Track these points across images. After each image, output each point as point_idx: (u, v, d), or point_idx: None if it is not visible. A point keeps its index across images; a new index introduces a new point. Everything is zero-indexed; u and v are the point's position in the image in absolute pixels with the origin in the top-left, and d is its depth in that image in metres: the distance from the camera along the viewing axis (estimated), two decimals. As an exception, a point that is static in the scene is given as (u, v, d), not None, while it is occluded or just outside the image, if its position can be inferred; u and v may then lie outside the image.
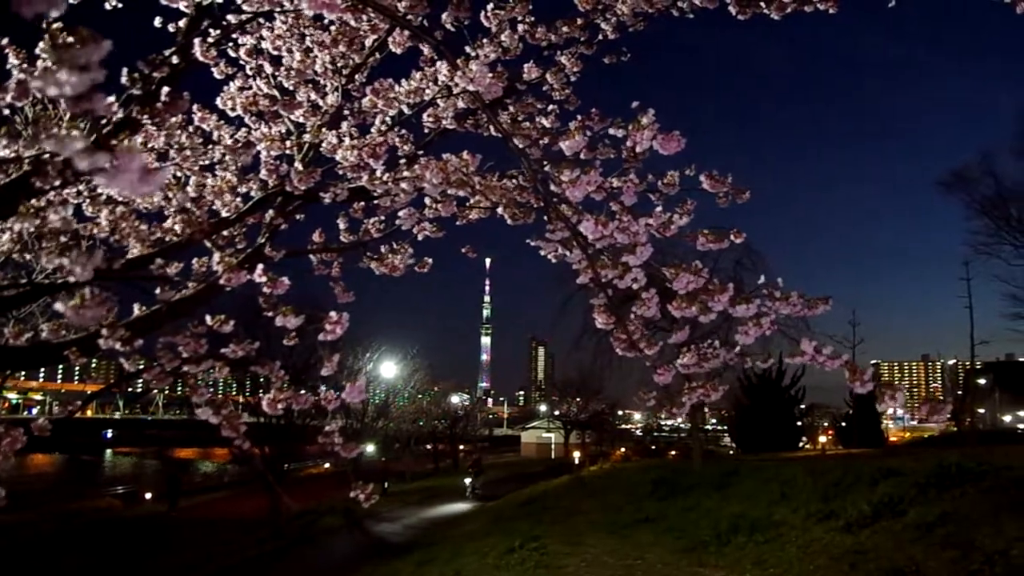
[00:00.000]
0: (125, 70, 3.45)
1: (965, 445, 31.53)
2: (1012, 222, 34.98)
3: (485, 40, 4.31)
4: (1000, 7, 2.63)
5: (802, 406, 53.27)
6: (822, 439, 59.79)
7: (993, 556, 11.24)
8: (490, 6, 4.44)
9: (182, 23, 4.06)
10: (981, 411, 76.18)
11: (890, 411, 3.32)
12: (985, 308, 42.44)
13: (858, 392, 3.38)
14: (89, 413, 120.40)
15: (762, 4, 4.28)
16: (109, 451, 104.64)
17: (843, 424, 58.40)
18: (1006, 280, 36.71)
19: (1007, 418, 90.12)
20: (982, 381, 75.00)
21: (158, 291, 4.22)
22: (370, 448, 45.22)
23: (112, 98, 3.31)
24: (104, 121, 3.29)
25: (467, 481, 40.82)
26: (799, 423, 52.52)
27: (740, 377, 46.07)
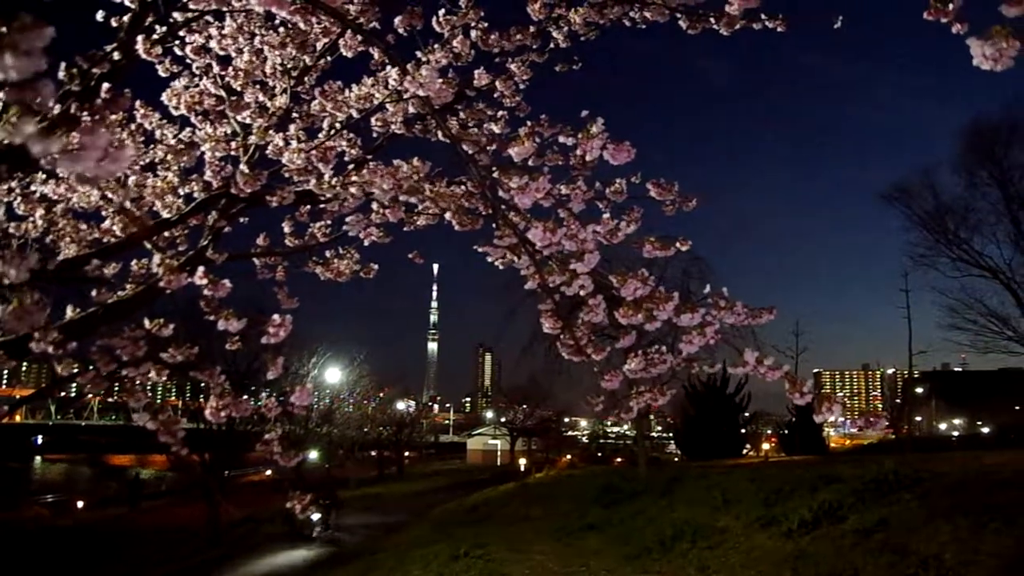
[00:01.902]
0: (63, 64, 3.36)
1: (902, 452, 32.19)
2: (949, 235, 35.95)
3: (436, 45, 4.29)
4: (938, 27, 2.68)
5: (746, 414, 53.91)
6: (765, 446, 60.60)
7: (927, 560, 11.50)
8: (442, 11, 4.42)
9: (125, 18, 3.96)
10: (918, 419, 78.02)
11: (831, 419, 3.37)
12: (923, 319, 43.40)
13: (797, 403, 3.43)
14: (18, 418, 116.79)
15: (711, 20, 4.33)
16: (39, 458, 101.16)
17: (786, 431, 59.24)
18: (943, 292, 37.61)
19: (942, 426, 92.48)
20: (919, 390, 76.87)
21: (94, 293, 4.11)
22: (313, 455, 44.81)
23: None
24: (39, 117, 3.18)
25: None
26: (743, 430, 53.12)
27: (686, 385, 46.48)
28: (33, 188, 4.05)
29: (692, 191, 4.25)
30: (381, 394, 66.27)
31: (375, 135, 4.61)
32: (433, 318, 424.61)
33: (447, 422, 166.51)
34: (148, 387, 3.92)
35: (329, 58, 4.55)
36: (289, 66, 4.43)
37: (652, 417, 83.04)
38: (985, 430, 75.77)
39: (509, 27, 4.62)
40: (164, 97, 4.43)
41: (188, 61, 4.49)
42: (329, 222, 4.91)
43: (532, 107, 4.86)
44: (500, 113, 4.75)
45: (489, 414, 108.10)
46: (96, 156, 1.76)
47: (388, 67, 4.05)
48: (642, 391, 3.90)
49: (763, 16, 4.37)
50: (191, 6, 3.94)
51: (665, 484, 24.62)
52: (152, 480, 60.92)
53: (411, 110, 4.35)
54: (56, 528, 34.59)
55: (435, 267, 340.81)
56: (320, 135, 4.42)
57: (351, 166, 4.37)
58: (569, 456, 69.41)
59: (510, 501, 31.42)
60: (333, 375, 48.06)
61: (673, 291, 3.66)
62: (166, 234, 4.49)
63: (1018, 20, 2.37)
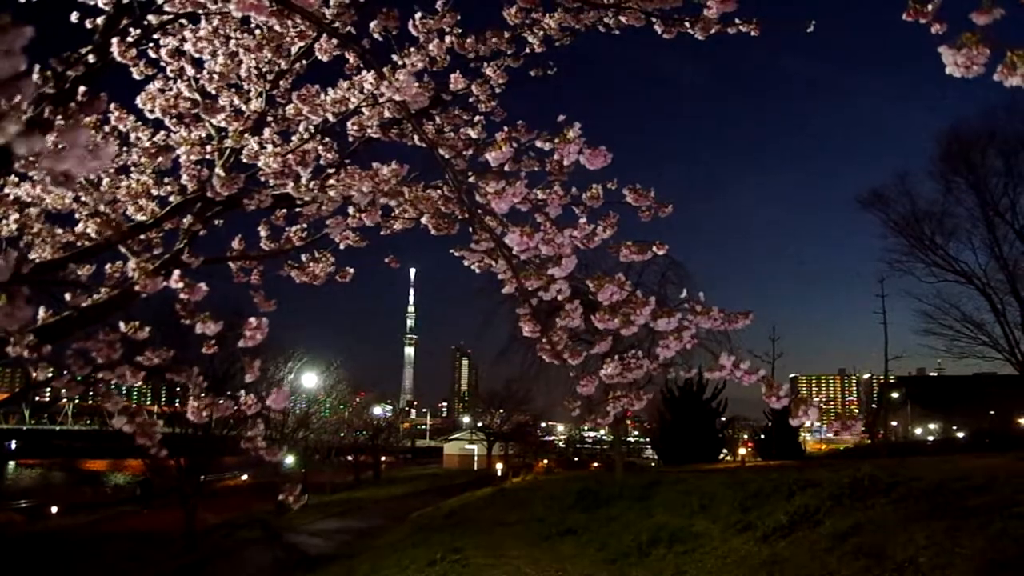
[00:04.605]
0: (37, 67, 3.33)
1: (878, 457, 32.41)
2: (925, 241, 36.23)
3: (412, 49, 4.29)
4: (916, 28, 2.72)
5: (723, 419, 54.10)
6: (742, 451, 60.84)
7: (903, 564, 11.57)
8: (418, 15, 4.42)
9: (100, 20, 3.95)
10: (894, 424, 78.63)
11: (807, 424, 3.40)
12: (899, 324, 43.82)
13: (774, 407, 3.45)
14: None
15: (687, 24, 4.35)
16: (12, 463, 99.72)
17: (762, 436, 59.52)
18: (919, 297, 37.91)
19: (918, 430, 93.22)
20: (895, 395, 77.47)
21: (68, 296, 4.08)
22: (290, 459, 44.62)
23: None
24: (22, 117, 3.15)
25: None
26: (720, 435, 53.29)
27: (663, 389, 46.56)
28: (7, 191, 4.01)
29: (667, 195, 4.27)
30: (358, 399, 66.01)
31: (351, 139, 4.60)
32: (410, 322, 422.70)
33: (423, 427, 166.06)
34: (123, 391, 3.90)
35: (304, 62, 4.54)
36: (264, 69, 4.41)
37: (629, 422, 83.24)
38: (960, 434, 76.45)
39: (485, 31, 4.64)
40: (139, 100, 4.40)
41: (163, 64, 4.47)
42: (305, 226, 4.89)
43: (508, 112, 4.87)
44: (476, 118, 4.77)
45: (466, 419, 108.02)
46: (80, 154, 1.77)
47: (364, 71, 4.05)
48: (619, 396, 3.92)
49: (737, 20, 4.41)
50: (166, 8, 3.92)
51: (642, 489, 24.66)
52: (127, 485, 60.48)
53: (387, 114, 4.35)
54: (31, 534, 34.19)
55: (412, 272, 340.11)
56: (294, 139, 4.41)
57: (329, 170, 4.37)
58: (546, 461, 69.45)
59: (487, 506, 31.40)
60: (310, 380, 47.82)
61: (650, 296, 3.67)
62: (141, 237, 4.47)
63: (988, 28, 2.41)
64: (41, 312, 3.95)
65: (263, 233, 4.96)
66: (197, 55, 4.38)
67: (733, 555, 15.28)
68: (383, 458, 72.06)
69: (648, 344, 4.70)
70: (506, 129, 4.16)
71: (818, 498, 16.24)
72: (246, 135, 4.25)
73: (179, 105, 4.45)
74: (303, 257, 4.76)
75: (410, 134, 4.58)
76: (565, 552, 19.15)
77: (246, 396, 4.07)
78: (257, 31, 4.29)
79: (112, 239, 4.18)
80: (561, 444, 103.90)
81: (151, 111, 4.42)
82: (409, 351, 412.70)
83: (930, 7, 2.72)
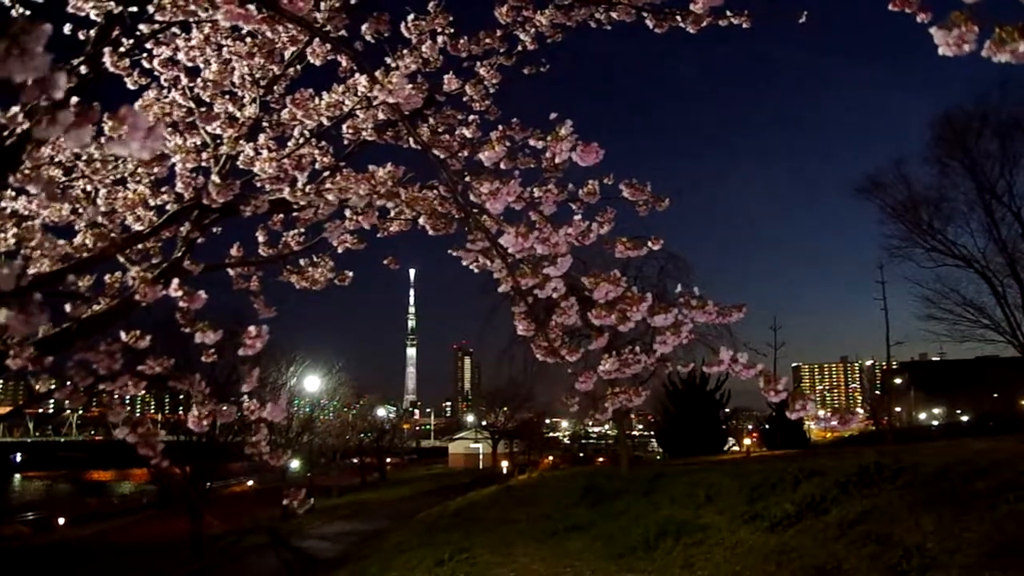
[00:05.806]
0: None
1: (883, 443, 32.41)
2: (923, 226, 36.18)
3: (405, 51, 4.30)
4: (905, 17, 2.73)
5: (727, 410, 54.09)
6: (747, 441, 60.87)
7: (911, 550, 11.58)
8: (410, 17, 4.43)
9: (92, 31, 3.95)
10: (898, 409, 78.63)
11: (805, 415, 3.42)
12: (900, 310, 43.64)
13: (772, 400, 3.46)
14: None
15: (678, 18, 4.36)
16: (18, 476, 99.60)
17: (767, 426, 59.54)
18: (918, 282, 37.86)
19: (922, 415, 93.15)
20: (898, 381, 77.50)
21: (68, 307, 4.09)
22: (295, 463, 44.70)
23: (16, 108, 3.18)
24: (7, 133, 3.16)
25: None
26: (724, 427, 53.31)
27: (665, 383, 46.55)
28: (4, 204, 4.02)
29: (667, 187, 4.28)
30: (361, 401, 66.07)
31: (346, 142, 4.61)
32: (411, 323, 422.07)
33: (427, 427, 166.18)
34: (126, 400, 3.91)
35: (298, 67, 4.55)
36: (257, 76, 4.42)
37: (633, 416, 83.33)
38: (964, 418, 76.47)
39: (477, 31, 4.65)
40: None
41: (156, 73, 4.48)
42: (302, 230, 4.90)
43: (502, 110, 4.88)
44: (471, 117, 4.77)
45: (470, 418, 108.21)
46: (142, 136, 1.86)
47: (357, 74, 4.06)
48: (618, 392, 3.92)
49: (728, 12, 4.42)
50: (157, 18, 3.92)
51: (648, 482, 24.66)
52: (133, 494, 60.62)
53: (381, 116, 4.36)
54: (38, 546, 34.23)
55: (411, 272, 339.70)
56: (290, 143, 4.41)
57: (325, 173, 4.37)
58: (551, 457, 69.50)
59: (493, 504, 31.40)
60: (312, 383, 47.85)
61: (650, 290, 3.68)
62: (139, 247, 4.47)
63: (977, 6, 2.42)
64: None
65: (261, 239, 4.96)
66: (190, 63, 4.39)
67: (741, 546, 15.29)
68: (388, 459, 72.16)
69: (649, 338, 4.69)
70: (500, 128, 4.17)
71: (824, 487, 16.25)
72: (241, 141, 4.26)
73: (174, 113, 4.46)
74: (302, 262, 4.77)
75: (405, 136, 4.59)
76: (572, 548, 19.15)
77: (249, 401, 4.08)
78: (249, 38, 4.30)
79: (110, 249, 4.19)
80: (566, 440, 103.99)
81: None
82: (411, 352, 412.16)
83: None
